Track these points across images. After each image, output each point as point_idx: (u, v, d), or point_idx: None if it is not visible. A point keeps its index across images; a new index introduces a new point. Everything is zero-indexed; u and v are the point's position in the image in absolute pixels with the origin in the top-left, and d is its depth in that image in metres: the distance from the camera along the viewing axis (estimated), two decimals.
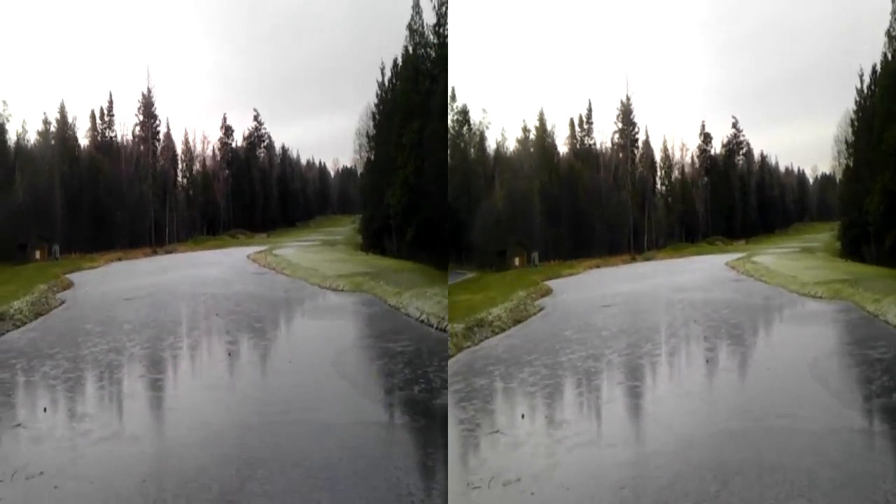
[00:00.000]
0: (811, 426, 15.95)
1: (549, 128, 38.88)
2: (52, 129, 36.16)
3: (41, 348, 23.21)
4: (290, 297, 30.56)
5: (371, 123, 36.76)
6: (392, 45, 34.64)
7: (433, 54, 33.14)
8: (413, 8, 33.83)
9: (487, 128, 37.05)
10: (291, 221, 43.36)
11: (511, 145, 38.49)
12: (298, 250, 38.14)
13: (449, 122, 35.72)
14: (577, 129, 40.76)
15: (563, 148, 39.83)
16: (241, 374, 21.21)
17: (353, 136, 37.57)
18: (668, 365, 22.81)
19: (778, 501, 12.65)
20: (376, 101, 36.10)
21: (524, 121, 38.25)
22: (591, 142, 40.98)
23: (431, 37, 33.45)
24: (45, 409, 18.12)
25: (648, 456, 15.37)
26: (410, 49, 34.40)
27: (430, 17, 33.26)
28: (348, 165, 44.65)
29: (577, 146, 40.75)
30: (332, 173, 46.67)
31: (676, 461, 14.70)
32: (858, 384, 19.06)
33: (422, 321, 23.06)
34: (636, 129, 41.57)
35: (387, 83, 35.96)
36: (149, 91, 38.66)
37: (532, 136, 38.53)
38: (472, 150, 37.26)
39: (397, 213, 33.84)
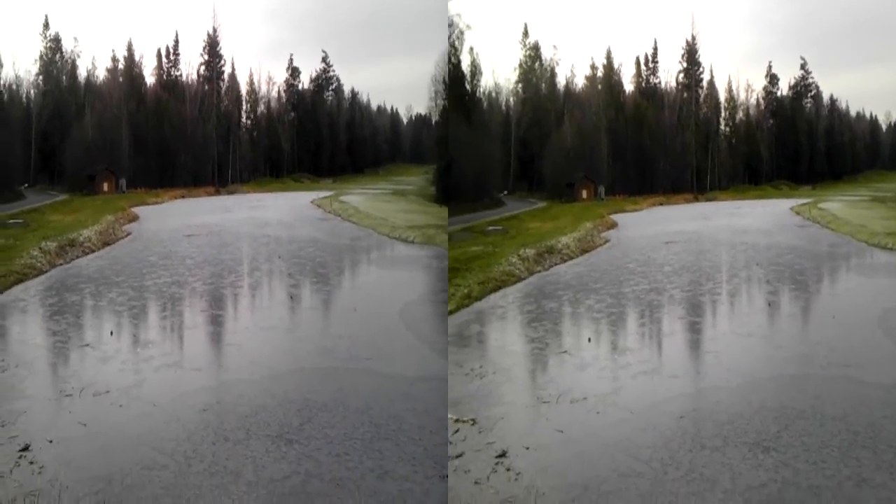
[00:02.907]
0: (877, 379, 15.78)
1: (615, 66, 38.49)
2: (121, 66, 36.50)
3: (108, 276, 23.99)
4: (356, 244, 29.77)
5: (447, 69, 34.86)
6: None
7: None
8: None
9: (558, 64, 37.28)
10: (359, 168, 41.91)
11: (580, 82, 38.27)
12: (366, 198, 37.11)
13: (521, 57, 35.63)
14: (642, 67, 40.01)
15: (629, 86, 39.35)
16: (302, 318, 20.86)
17: (429, 81, 35.57)
18: (730, 304, 22.80)
19: (841, 450, 12.60)
20: (450, 47, 34.46)
21: (592, 58, 37.89)
22: (657, 81, 40.26)
23: None
24: (111, 333, 18.72)
25: (709, 390, 15.48)
26: None
27: None
28: (422, 113, 42.75)
29: (643, 85, 40.08)
30: (405, 120, 44.88)
31: (738, 399, 14.80)
32: None
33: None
34: (701, 69, 40.55)
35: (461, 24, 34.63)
36: (214, 30, 38.28)
37: (600, 73, 38.20)
38: (544, 85, 37.22)
39: None
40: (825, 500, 11.09)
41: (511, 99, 37.49)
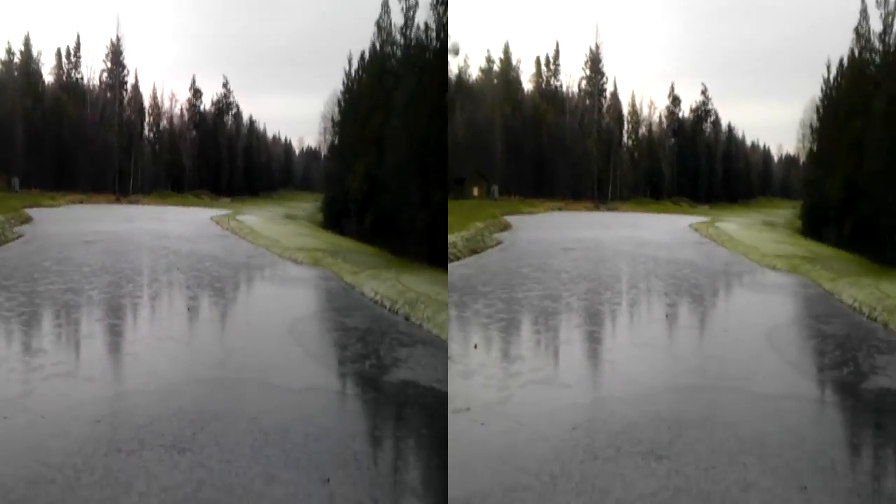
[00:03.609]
0: (766, 390, 16.00)
1: (514, 62, 38.11)
2: (16, 60, 35.00)
3: None
4: (250, 262, 30.56)
5: (336, 109, 37.19)
6: (362, 35, 34.48)
7: (399, 54, 32.79)
8: (382, 6, 33.43)
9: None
10: (255, 191, 44.20)
11: (474, 74, 37.68)
12: (261, 219, 38.42)
13: (409, 38, 34.56)
14: (543, 68, 40.09)
15: (527, 85, 39.11)
16: (199, 330, 20.91)
17: (320, 118, 38.97)
18: (629, 315, 22.82)
19: (730, 455, 12.59)
20: (342, 89, 36.44)
21: (488, 51, 37.46)
22: (558, 84, 40.43)
23: (399, 38, 32.64)
24: None
25: (604, 400, 15.25)
26: (378, 46, 34.26)
27: (398, 19, 32.55)
28: (313, 146, 46.28)
29: (543, 86, 40.19)
30: (297, 151, 48.38)
31: (632, 410, 14.58)
32: (814, 355, 19.24)
33: (375, 301, 22.89)
34: (604, 79, 41.09)
35: (353, 73, 35.92)
36: (118, 39, 38.32)
37: (496, 67, 37.77)
38: None
39: (357, 199, 34.20)
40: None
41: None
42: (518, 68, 39.50)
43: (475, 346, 18.35)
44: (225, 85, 42.35)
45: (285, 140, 48.24)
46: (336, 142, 37.75)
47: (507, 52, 38.71)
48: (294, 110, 41.86)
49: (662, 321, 22.04)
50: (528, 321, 21.19)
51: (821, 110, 35.56)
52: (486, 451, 12.59)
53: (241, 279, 28.15)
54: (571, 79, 41.09)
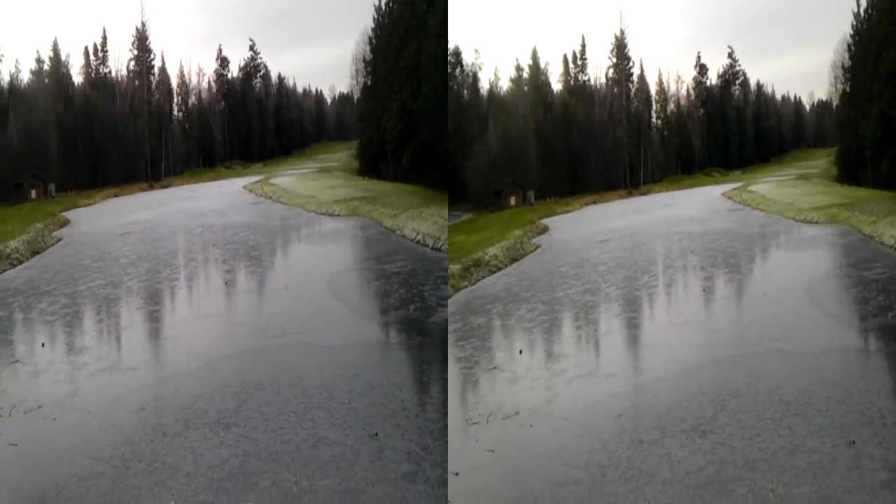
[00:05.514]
0: (807, 348, 15.95)
1: (542, 65, 38.30)
2: (46, 67, 35.61)
3: (38, 286, 23.03)
4: (286, 224, 30.27)
5: (368, 48, 35.93)
6: None
7: None
8: None
9: (480, 68, 36.21)
10: (288, 150, 42.37)
11: (505, 85, 37.97)
12: (294, 178, 37.51)
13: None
14: (570, 65, 40.10)
15: (556, 85, 39.19)
16: (237, 303, 21.00)
17: (350, 61, 36.60)
18: (666, 296, 22.83)
19: (774, 421, 12.69)
20: (373, 25, 35.40)
21: (517, 59, 37.56)
22: (586, 78, 40.32)
23: None
24: (42, 345, 18.04)
25: (646, 384, 15.44)
26: None
27: None
28: (345, 92, 43.17)
29: (572, 83, 40.13)
30: (329, 100, 45.36)
31: (675, 389, 14.76)
32: (854, 304, 19.08)
33: (417, 241, 22.89)
34: (631, 64, 40.86)
35: (383, 6, 35.12)
36: (143, 25, 37.53)
37: (525, 74, 37.97)
38: (466, 91, 36.73)
39: (393, 137, 33.38)
40: (760, 472, 11.08)
41: None
42: (547, 71, 39.72)
43: (520, 352, 18.61)
44: (252, 47, 40.84)
45: (316, 91, 45.38)
46: (369, 82, 36.30)
47: (535, 56, 38.77)
48: (324, 59, 39.17)
49: (700, 296, 22.04)
50: (569, 318, 21.27)
51: (852, 47, 34.53)
52: (535, 453, 12.87)
53: (276, 244, 28.01)
54: (599, 70, 41.02)
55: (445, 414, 12.57)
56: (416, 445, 11.11)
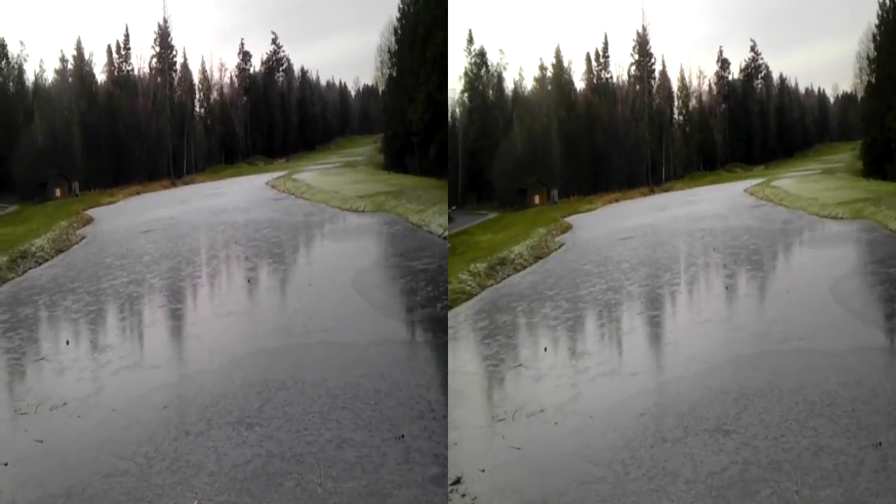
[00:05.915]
0: (831, 347, 15.87)
1: (565, 64, 38.45)
2: (70, 66, 35.98)
3: (63, 283, 23.28)
4: (309, 220, 30.08)
5: (393, 39, 35.54)
6: None
7: None
8: None
9: (505, 69, 36.23)
10: (311, 145, 42.01)
11: (529, 84, 38.13)
12: (318, 173, 37.25)
13: (466, 64, 34.88)
14: (593, 63, 40.08)
15: (579, 84, 39.27)
16: (260, 300, 20.99)
17: (375, 52, 36.27)
18: (688, 293, 22.84)
19: (798, 422, 12.65)
20: (398, 14, 35.10)
21: (541, 58, 37.68)
22: (608, 76, 40.30)
23: None
24: (67, 342, 18.29)
25: (669, 383, 15.49)
26: None
27: None
28: (369, 84, 42.52)
29: (594, 81, 40.13)
30: (353, 93, 44.68)
31: (698, 387, 14.79)
32: (880, 302, 18.96)
33: (445, 238, 22.85)
34: (652, 60, 40.78)
35: None
36: (165, 21, 37.56)
37: (549, 73, 38.08)
38: (491, 91, 36.94)
39: (420, 129, 33.15)
40: (785, 473, 11.10)
41: (457, 110, 37.37)
42: (570, 69, 39.78)
43: (545, 350, 18.75)
44: (274, 41, 40.67)
45: (340, 84, 44.69)
46: (394, 73, 35.63)
47: (558, 55, 38.82)
48: (348, 51, 38.83)
49: (722, 294, 22.01)
50: (593, 316, 21.37)
51: (878, 38, 34.20)
52: (559, 450, 12.98)
53: (299, 241, 27.81)
54: (621, 68, 41.07)
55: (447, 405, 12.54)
56: (444, 447, 11.13)
